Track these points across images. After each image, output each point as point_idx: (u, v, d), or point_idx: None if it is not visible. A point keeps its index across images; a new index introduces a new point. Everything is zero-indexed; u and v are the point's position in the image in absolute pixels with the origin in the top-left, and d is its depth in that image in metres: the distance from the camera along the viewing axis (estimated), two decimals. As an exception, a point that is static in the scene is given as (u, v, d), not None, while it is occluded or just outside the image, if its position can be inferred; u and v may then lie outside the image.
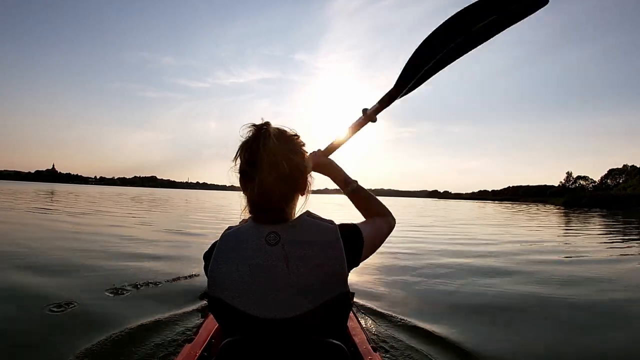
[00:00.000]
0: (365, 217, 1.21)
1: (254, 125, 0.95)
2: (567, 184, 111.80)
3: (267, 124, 0.94)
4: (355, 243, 0.97)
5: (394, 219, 1.21)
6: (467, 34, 1.26)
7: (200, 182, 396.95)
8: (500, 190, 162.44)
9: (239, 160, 0.97)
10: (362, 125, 1.39)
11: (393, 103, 1.39)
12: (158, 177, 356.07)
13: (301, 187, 1.00)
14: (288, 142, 0.96)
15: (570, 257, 7.14)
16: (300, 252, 0.90)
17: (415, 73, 1.33)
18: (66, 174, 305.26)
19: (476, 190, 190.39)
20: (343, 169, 1.29)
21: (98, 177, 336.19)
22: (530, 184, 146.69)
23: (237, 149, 0.96)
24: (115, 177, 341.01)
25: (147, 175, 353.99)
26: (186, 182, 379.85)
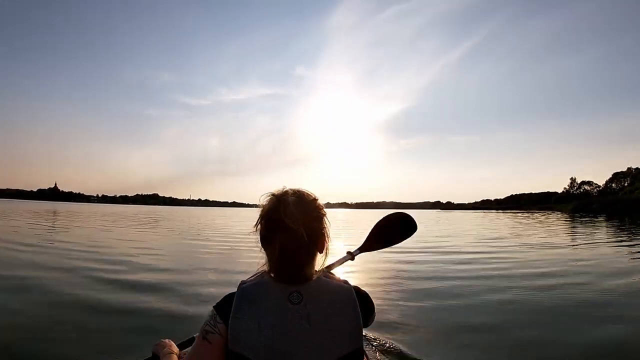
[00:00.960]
0: None
1: (273, 194, 1.05)
2: (571, 190, 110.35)
3: (286, 192, 1.04)
4: (367, 307, 1.06)
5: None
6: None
7: (203, 198, 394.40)
8: (504, 199, 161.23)
9: (259, 227, 1.05)
10: (344, 261, 1.72)
11: None
12: (160, 195, 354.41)
13: (319, 248, 1.06)
14: (307, 208, 1.03)
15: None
16: (322, 311, 0.99)
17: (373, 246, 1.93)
18: (68, 192, 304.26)
19: (479, 200, 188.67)
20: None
21: (100, 195, 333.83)
22: (533, 192, 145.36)
23: (257, 218, 1.05)
24: (118, 195, 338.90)
25: (149, 193, 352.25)
26: (188, 199, 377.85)
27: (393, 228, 1.96)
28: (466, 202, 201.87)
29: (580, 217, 35.83)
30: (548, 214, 54.53)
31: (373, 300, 1.09)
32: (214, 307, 1.04)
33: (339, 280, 1.08)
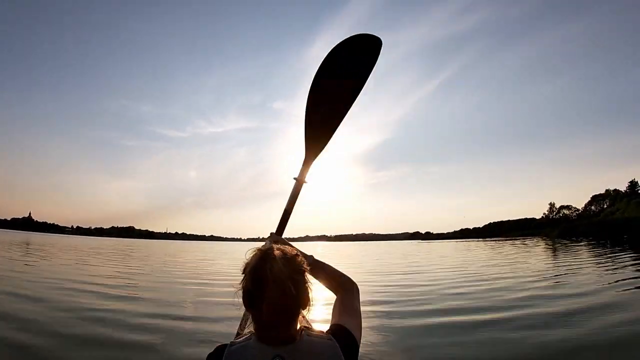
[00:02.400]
0: (330, 289, 1.33)
1: (259, 249, 1.07)
2: (551, 215, 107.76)
3: (270, 247, 1.07)
4: (351, 346, 1.07)
5: (357, 285, 1.31)
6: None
7: (180, 232, 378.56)
8: (483, 227, 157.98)
9: (244, 283, 1.05)
10: (298, 190, 1.64)
11: (337, 135, 1.66)
12: (136, 228, 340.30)
13: (304, 303, 1.07)
14: (291, 263, 1.04)
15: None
16: None
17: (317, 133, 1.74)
18: (42, 222, 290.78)
19: (458, 229, 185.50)
20: (296, 246, 1.31)
21: (75, 226, 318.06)
22: (511, 219, 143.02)
23: (242, 273, 1.06)
24: (93, 227, 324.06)
25: (124, 226, 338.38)
26: (165, 232, 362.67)
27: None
28: (445, 232, 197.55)
29: (576, 243, 31.80)
30: (538, 240, 50.17)
31: (354, 329, 1.11)
32: None
33: (320, 334, 1.07)
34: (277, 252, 1.04)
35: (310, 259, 1.29)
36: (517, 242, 46.78)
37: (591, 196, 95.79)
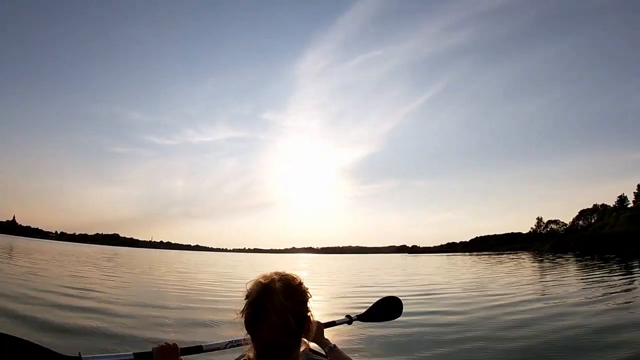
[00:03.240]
0: None
1: (260, 281, 1.05)
2: (538, 230, 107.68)
3: (272, 280, 1.04)
4: None
5: None
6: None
7: (165, 241, 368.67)
8: (469, 241, 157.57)
9: (245, 312, 1.05)
10: (340, 324, 1.96)
11: None
12: (121, 235, 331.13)
13: (305, 331, 1.07)
14: (294, 293, 1.04)
15: None
16: None
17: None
18: (26, 227, 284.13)
19: (444, 243, 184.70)
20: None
21: (59, 232, 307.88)
22: (497, 233, 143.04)
23: (243, 303, 1.05)
24: (77, 233, 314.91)
25: (109, 233, 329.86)
26: (150, 240, 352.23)
27: (388, 307, 2.12)
28: (432, 246, 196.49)
29: (576, 258, 30.41)
30: (531, 255, 48.83)
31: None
32: None
33: (321, 357, 1.14)
34: (278, 285, 1.02)
35: (328, 348, 1.43)
36: (511, 256, 45.49)
37: (579, 211, 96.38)
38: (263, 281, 1.03)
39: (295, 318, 1.00)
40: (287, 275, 1.07)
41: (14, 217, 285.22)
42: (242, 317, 1.04)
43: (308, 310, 1.07)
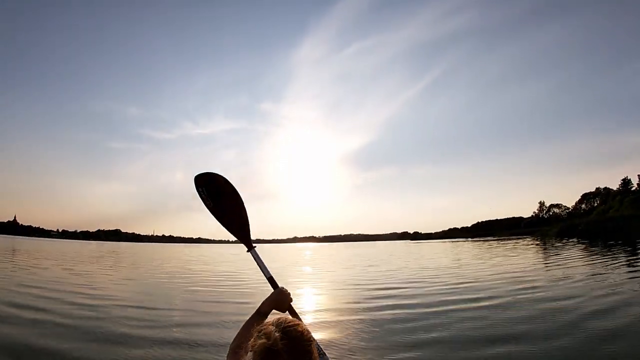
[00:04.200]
0: None
1: (264, 343, 1.01)
2: (540, 214, 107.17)
3: (275, 339, 1.01)
4: None
5: None
6: None
7: (167, 234, 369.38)
8: (471, 226, 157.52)
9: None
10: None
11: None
12: (122, 231, 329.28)
13: None
14: (297, 346, 1.03)
15: None
16: None
17: None
18: (27, 226, 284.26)
19: (446, 229, 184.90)
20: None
21: (60, 230, 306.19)
22: (499, 218, 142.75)
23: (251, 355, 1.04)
24: (78, 231, 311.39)
25: (111, 229, 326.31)
26: (151, 235, 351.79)
27: None
28: (433, 232, 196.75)
29: (586, 244, 29.46)
30: (540, 239, 47.82)
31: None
32: None
33: None
34: (282, 345, 1.00)
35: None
36: (520, 242, 44.80)
37: (581, 194, 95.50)
38: (266, 343, 1.00)
39: None
40: (289, 326, 1.05)
41: (14, 217, 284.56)
42: (246, 355, 1.04)
43: (312, 354, 1.05)
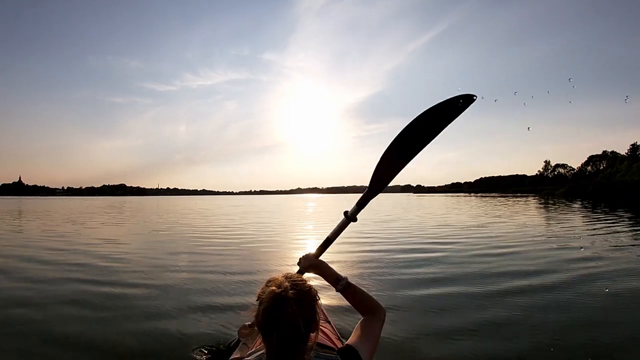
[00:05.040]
0: (358, 311, 1.39)
1: (273, 290, 1.08)
2: (545, 173, 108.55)
3: (285, 288, 1.08)
4: None
5: (384, 311, 1.38)
6: (418, 138, 1.64)
7: (171, 187, 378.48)
8: (474, 181, 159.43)
9: (258, 316, 1.10)
10: (345, 226, 1.66)
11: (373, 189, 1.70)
12: (127, 185, 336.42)
13: (313, 330, 1.13)
14: (305, 301, 1.09)
15: None
16: None
17: (383, 175, 1.69)
18: (33, 186, 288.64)
19: (449, 183, 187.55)
20: (333, 268, 1.47)
21: (66, 187, 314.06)
22: (502, 174, 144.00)
23: (257, 309, 1.10)
24: (83, 187, 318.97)
25: (115, 184, 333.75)
26: (156, 188, 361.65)
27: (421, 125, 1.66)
28: (436, 185, 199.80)
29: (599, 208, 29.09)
30: (545, 198, 47.82)
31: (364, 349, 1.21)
32: None
33: (329, 354, 1.17)
34: (291, 294, 1.07)
35: (342, 283, 1.38)
36: (529, 199, 44.89)
37: (588, 156, 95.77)
38: (276, 290, 1.07)
39: (305, 323, 1.07)
40: (297, 281, 1.12)
41: (19, 178, 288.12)
42: (254, 317, 1.12)
43: (316, 312, 1.12)
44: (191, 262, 6.94)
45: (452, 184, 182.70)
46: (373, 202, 1.87)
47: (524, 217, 17.34)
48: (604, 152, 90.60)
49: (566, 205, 27.89)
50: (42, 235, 11.42)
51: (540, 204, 32.86)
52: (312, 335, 1.13)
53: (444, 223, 14.56)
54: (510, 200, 42.46)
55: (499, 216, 17.42)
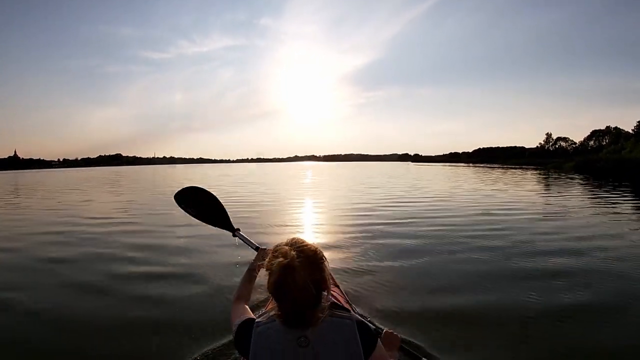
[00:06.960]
0: None
1: (280, 260, 1.09)
2: (546, 146, 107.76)
3: (292, 258, 1.09)
4: (367, 338, 1.16)
5: None
6: None
7: (167, 156, 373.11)
8: (473, 152, 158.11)
9: (268, 282, 1.12)
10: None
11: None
12: (123, 155, 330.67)
13: (324, 289, 1.15)
14: (312, 265, 1.11)
15: None
16: (328, 351, 1.11)
17: None
18: (28, 159, 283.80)
19: (447, 153, 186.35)
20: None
21: (61, 159, 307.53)
22: (501, 145, 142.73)
23: (268, 280, 1.12)
24: (79, 158, 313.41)
25: (111, 154, 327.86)
26: (152, 157, 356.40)
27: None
28: (434, 155, 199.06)
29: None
30: (553, 172, 46.38)
31: (376, 325, 1.28)
32: (234, 345, 1.26)
33: (342, 315, 1.17)
34: (298, 263, 1.08)
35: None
36: (535, 172, 43.24)
37: (591, 131, 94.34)
38: (283, 260, 1.09)
39: (315, 285, 1.09)
40: (303, 246, 1.14)
41: (14, 151, 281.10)
42: (266, 285, 1.13)
43: (325, 272, 1.14)
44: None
45: (451, 153, 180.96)
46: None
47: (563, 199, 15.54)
48: (608, 127, 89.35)
49: (588, 182, 26.18)
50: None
51: (553, 178, 30.78)
52: (324, 294, 1.15)
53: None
54: (526, 172, 40.06)
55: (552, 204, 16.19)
